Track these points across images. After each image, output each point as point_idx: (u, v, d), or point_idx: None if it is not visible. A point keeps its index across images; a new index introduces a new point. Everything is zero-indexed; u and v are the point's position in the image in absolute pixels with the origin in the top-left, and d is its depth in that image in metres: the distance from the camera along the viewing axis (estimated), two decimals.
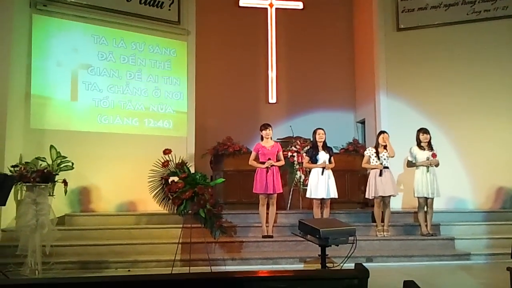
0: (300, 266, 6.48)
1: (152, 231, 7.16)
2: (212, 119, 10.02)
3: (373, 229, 7.41)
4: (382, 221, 7.34)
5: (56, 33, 7.79)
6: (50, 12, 7.71)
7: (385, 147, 7.41)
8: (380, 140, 7.42)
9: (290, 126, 8.80)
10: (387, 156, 7.36)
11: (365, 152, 7.59)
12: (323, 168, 7.13)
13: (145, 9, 8.60)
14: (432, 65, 9.11)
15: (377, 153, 7.38)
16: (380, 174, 7.26)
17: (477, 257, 6.85)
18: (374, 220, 7.48)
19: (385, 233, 7.28)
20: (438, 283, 5.59)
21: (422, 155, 7.35)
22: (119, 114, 8.27)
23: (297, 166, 8.21)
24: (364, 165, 7.59)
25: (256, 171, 7.11)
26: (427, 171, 7.25)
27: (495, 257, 6.71)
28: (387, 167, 7.35)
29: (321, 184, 7.10)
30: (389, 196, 7.31)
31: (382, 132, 7.60)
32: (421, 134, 7.44)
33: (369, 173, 7.57)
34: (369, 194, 7.39)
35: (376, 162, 7.35)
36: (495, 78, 8.86)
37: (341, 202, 7.95)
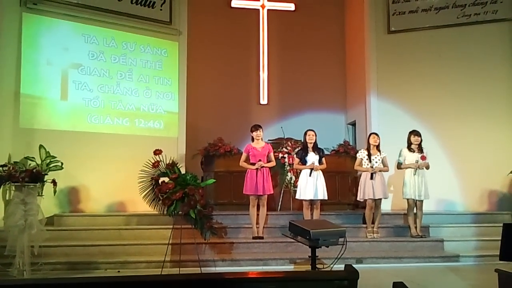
0: (290, 267, 6.48)
1: (142, 231, 7.12)
2: (203, 120, 9.99)
3: (363, 231, 7.43)
4: (373, 222, 7.36)
5: (47, 32, 7.73)
6: (41, 11, 7.65)
7: (377, 147, 7.43)
8: (371, 141, 7.44)
9: (281, 127, 8.79)
10: (379, 159, 7.37)
11: (358, 155, 7.60)
12: (311, 169, 7.13)
13: (137, 8, 8.56)
14: (423, 68, 9.18)
15: (369, 155, 7.39)
16: (372, 177, 7.27)
17: (466, 258, 6.90)
18: (364, 222, 7.50)
19: (375, 234, 7.30)
20: (427, 285, 5.62)
21: (412, 157, 7.37)
22: (109, 114, 8.22)
23: (288, 167, 8.22)
24: (356, 167, 7.60)
25: (247, 172, 7.10)
26: (415, 173, 7.27)
27: (483, 259, 6.77)
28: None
29: (310, 186, 7.10)
30: (380, 199, 7.34)
31: (373, 133, 7.63)
32: (412, 136, 7.46)
33: (360, 175, 7.59)
34: (361, 196, 7.40)
35: (368, 164, 7.36)
36: (485, 81, 8.94)
37: (332, 203, 7.97)
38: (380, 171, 7.34)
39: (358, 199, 7.57)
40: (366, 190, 7.29)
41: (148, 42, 8.66)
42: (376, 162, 7.35)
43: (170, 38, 8.87)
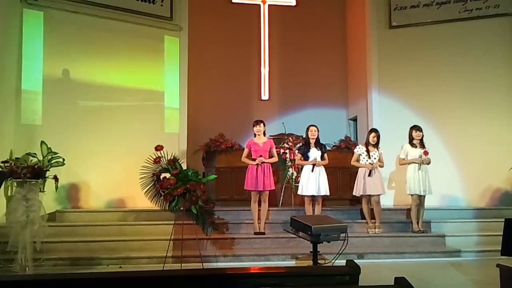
0: (292, 263, 6.50)
1: (143, 227, 7.14)
2: (204, 116, 9.98)
3: (365, 226, 7.41)
4: (372, 217, 7.35)
5: (47, 27, 7.71)
6: (41, 7, 7.65)
7: (375, 145, 7.41)
8: (371, 139, 7.42)
9: (283, 123, 8.79)
10: (377, 156, 7.36)
11: (355, 150, 7.58)
12: (314, 165, 7.13)
13: (138, 4, 8.53)
14: (424, 63, 9.16)
15: (368, 151, 7.38)
16: (370, 174, 7.26)
17: (467, 254, 6.89)
18: (363, 217, 7.49)
19: (377, 229, 7.30)
20: (429, 280, 5.62)
21: (414, 153, 7.35)
22: (110, 110, 8.21)
23: (289, 163, 8.22)
24: (353, 162, 7.54)
25: (248, 167, 7.10)
26: (419, 168, 7.26)
27: (485, 254, 6.75)
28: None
29: (312, 181, 7.11)
30: (378, 194, 7.33)
31: (373, 130, 7.60)
32: (413, 131, 7.45)
33: (357, 170, 7.56)
34: (357, 191, 7.40)
35: (367, 161, 7.35)
36: (486, 76, 8.93)
37: (333, 199, 7.98)
38: (380, 167, 7.35)
39: (354, 194, 7.54)
40: (363, 186, 7.28)
41: (149, 38, 8.64)
42: (375, 158, 7.34)
43: (171, 34, 8.85)
